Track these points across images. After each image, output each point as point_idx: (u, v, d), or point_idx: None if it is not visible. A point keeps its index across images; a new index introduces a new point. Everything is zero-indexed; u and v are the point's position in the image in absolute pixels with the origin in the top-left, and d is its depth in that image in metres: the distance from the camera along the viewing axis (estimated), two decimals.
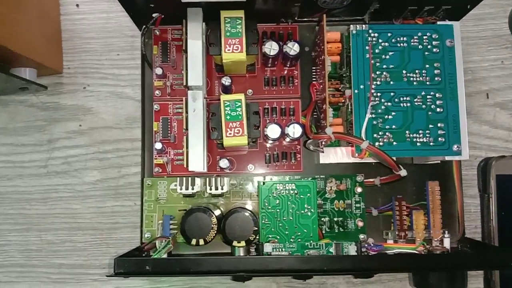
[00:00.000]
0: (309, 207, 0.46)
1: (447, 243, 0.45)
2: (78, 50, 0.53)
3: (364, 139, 0.42)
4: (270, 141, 0.48)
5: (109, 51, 0.53)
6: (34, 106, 0.53)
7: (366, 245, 0.44)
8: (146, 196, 0.49)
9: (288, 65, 0.50)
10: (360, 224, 0.48)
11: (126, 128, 0.53)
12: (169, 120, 0.50)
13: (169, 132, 0.50)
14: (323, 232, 0.48)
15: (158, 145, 0.49)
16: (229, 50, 0.45)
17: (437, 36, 0.44)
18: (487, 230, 0.50)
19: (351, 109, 0.44)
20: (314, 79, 0.49)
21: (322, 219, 0.48)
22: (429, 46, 0.44)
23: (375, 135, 0.43)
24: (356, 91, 0.43)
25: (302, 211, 0.46)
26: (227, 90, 0.50)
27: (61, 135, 0.52)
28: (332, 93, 0.44)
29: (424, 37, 0.44)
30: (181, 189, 0.47)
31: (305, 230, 0.45)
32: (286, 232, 0.45)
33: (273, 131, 0.46)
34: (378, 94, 0.44)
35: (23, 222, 0.51)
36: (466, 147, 0.43)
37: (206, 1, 0.43)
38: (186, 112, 0.47)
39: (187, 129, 0.47)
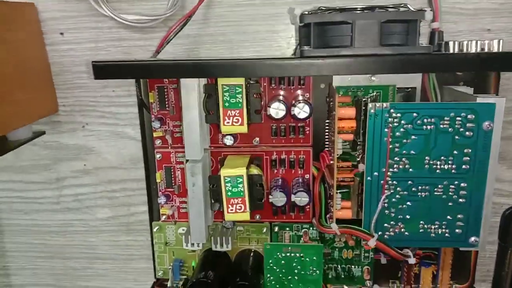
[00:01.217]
0: (314, 269, 0.46)
1: None
2: (71, 85, 0.49)
3: (373, 233, 0.40)
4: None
5: (103, 87, 0.49)
6: (37, 145, 0.51)
7: None
8: (156, 238, 0.50)
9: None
10: (367, 272, 0.48)
11: (130, 169, 0.51)
12: (172, 170, 0.48)
13: (173, 182, 0.48)
14: (329, 276, 0.49)
15: (162, 199, 0.48)
16: (228, 123, 0.41)
17: (473, 117, 0.37)
18: (499, 280, 0.49)
19: (362, 192, 0.40)
20: (327, 138, 0.44)
21: (329, 265, 0.49)
22: (461, 129, 0.37)
23: (385, 225, 0.40)
24: (369, 178, 0.39)
25: (307, 272, 0.46)
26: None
27: (68, 174, 0.52)
28: (342, 175, 0.40)
29: (458, 118, 0.37)
30: (186, 245, 0.48)
31: None
32: None
33: (277, 201, 0.44)
34: (394, 182, 0.39)
35: (47, 250, 0.55)
36: (485, 240, 0.40)
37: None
38: None
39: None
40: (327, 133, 0.44)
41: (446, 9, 0.44)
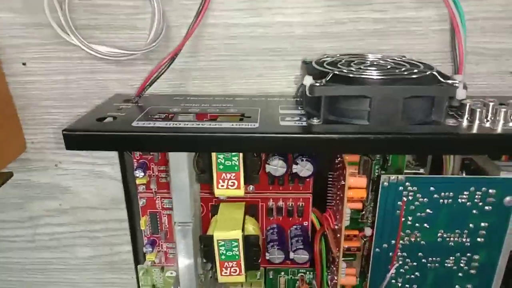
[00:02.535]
0: None
1: None
2: (39, 121, 0.43)
3: None
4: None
5: None
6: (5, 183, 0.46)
7: None
8: (142, 281, 0.47)
9: None
10: None
11: (111, 209, 0.47)
12: (158, 216, 0.44)
13: (159, 228, 0.44)
14: None
15: (148, 248, 0.44)
16: (222, 186, 0.36)
17: (495, 192, 0.33)
18: None
19: (367, 256, 0.37)
20: (330, 190, 0.40)
21: None
22: (480, 203, 0.34)
23: None
24: (377, 250, 0.36)
25: None
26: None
27: (42, 213, 0.47)
28: (349, 243, 0.37)
29: (478, 192, 0.33)
30: None
31: None
32: None
33: (275, 259, 0.41)
34: (404, 254, 0.36)
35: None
36: None
37: None
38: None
39: None
40: (330, 186, 0.40)
41: (467, 48, 0.39)
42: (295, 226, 0.43)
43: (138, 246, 0.46)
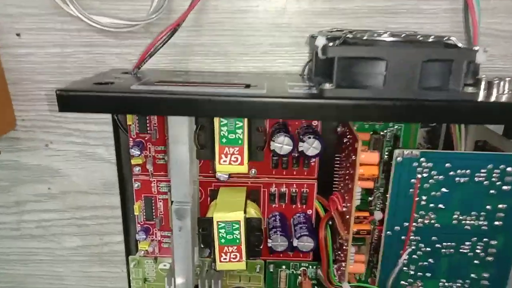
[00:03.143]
0: None
1: None
2: (31, 97, 0.41)
3: None
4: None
5: None
6: None
7: None
8: (133, 274, 0.44)
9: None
10: None
11: (103, 194, 0.44)
12: (153, 201, 0.41)
13: (154, 214, 0.42)
14: None
15: (141, 235, 0.41)
16: (225, 161, 0.34)
17: None
18: None
19: (376, 241, 0.35)
20: (336, 175, 0.38)
21: None
22: (498, 183, 0.32)
23: (402, 282, 0.35)
24: (388, 232, 0.34)
25: None
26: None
27: (30, 198, 0.44)
28: (358, 227, 0.34)
29: (496, 170, 0.32)
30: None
31: None
32: None
33: (277, 245, 0.38)
34: (417, 238, 0.34)
35: (6, 281, 0.48)
36: None
37: None
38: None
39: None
40: (337, 169, 0.38)
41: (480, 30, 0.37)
42: (298, 214, 0.41)
43: (130, 237, 0.44)
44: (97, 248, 0.46)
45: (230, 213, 0.36)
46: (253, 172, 0.40)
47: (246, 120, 0.33)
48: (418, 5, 0.37)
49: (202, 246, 0.37)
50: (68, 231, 0.45)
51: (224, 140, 0.33)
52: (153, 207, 0.41)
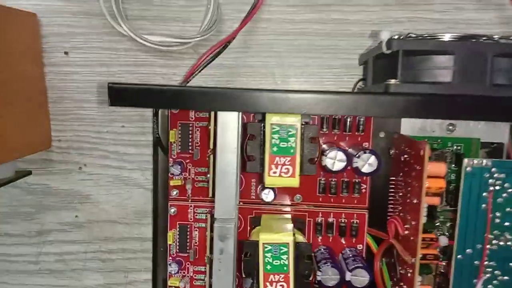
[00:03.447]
0: None
1: None
2: (70, 116, 0.40)
3: None
4: None
5: (111, 120, 0.40)
6: (19, 188, 0.41)
7: None
8: None
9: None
10: None
11: (134, 224, 0.41)
12: (188, 229, 0.38)
13: (188, 245, 0.38)
14: None
15: (173, 267, 0.37)
16: (275, 173, 0.31)
17: None
18: None
19: (443, 273, 0.30)
20: (391, 201, 0.35)
21: None
22: None
23: None
24: (459, 256, 0.29)
25: None
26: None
27: (54, 227, 0.41)
28: (423, 251, 0.30)
29: None
30: None
31: None
32: None
33: (328, 280, 0.34)
34: (492, 263, 0.30)
35: None
36: None
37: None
38: (211, 230, 0.35)
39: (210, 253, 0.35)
40: (392, 194, 0.35)
41: None
42: (347, 249, 0.37)
43: (157, 274, 0.39)
44: (121, 287, 0.42)
45: (278, 234, 0.32)
46: (297, 197, 0.37)
47: (299, 129, 0.31)
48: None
49: (244, 275, 0.33)
50: (91, 266, 0.41)
51: (275, 149, 0.31)
52: (188, 237, 0.38)
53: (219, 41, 0.36)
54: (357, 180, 0.36)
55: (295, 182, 0.31)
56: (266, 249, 0.32)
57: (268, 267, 0.32)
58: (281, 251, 0.32)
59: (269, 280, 0.32)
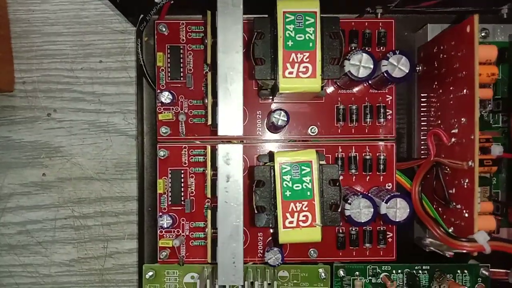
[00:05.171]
0: None
1: None
2: (38, 53, 0.34)
3: None
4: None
5: (86, 55, 0.34)
6: None
7: None
8: None
9: (378, 88, 0.30)
10: None
11: (114, 181, 0.34)
12: (182, 175, 0.31)
13: (182, 195, 0.31)
14: None
15: (165, 221, 0.30)
16: (291, 73, 0.25)
17: None
18: None
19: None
20: (424, 117, 0.29)
21: None
22: None
23: None
24: None
25: None
26: (277, 129, 0.30)
27: (15, 189, 0.34)
28: (481, 156, 0.24)
29: None
30: None
31: None
32: None
33: (359, 214, 0.27)
34: None
35: None
36: None
37: None
38: (213, 168, 0.29)
39: (213, 195, 0.28)
40: (424, 108, 0.30)
41: None
42: (374, 189, 0.31)
43: (145, 241, 0.32)
44: (98, 261, 0.34)
45: (300, 152, 0.26)
46: (313, 130, 0.31)
47: (318, 19, 0.25)
48: None
49: (256, 211, 0.26)
50: (62, 237, 0.34)
51: (290, 43, 0.25)
52: (182, 186, 0.31)
53: None
54: (379, 106, 0.31)
55: (316, 84, 0.26)
56: (284, 171, 0.26)
57: (288, 193, 0.26)
58: (303, 172, 0.26)
59: (289, 209, 0.26)
